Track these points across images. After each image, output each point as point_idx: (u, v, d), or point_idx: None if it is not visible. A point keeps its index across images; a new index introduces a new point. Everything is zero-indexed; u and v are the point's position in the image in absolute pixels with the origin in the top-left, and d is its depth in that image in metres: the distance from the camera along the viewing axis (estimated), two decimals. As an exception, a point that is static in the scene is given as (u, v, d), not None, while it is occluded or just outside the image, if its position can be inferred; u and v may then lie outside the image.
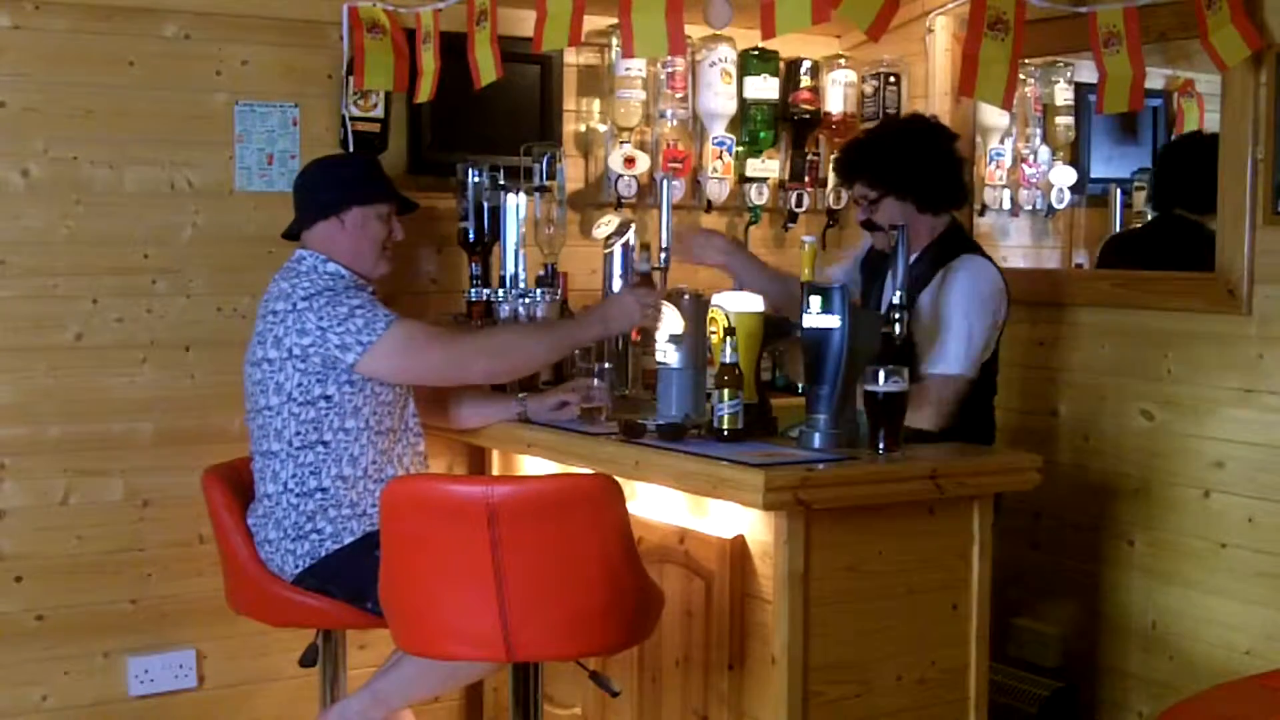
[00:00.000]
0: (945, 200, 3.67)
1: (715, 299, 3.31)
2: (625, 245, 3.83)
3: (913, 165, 3.63)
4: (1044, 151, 4.65)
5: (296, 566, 3.35)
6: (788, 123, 4.60)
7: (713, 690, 3.19)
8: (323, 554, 3.34)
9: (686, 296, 3.35)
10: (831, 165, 4.23)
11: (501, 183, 3.97)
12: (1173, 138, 4.69)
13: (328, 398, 3.33)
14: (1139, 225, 4.54)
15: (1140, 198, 4.88)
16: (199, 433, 3.79)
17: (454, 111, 4.05)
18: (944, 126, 3.80)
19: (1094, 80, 3.64)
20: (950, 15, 4.40)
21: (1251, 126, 3.57)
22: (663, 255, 3.84)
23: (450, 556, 2.83)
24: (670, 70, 4.34)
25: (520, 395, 3.63)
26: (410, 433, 3.49)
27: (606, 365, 3.60)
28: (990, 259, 3.67)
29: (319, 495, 3.35)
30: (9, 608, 3.68)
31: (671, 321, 3.34)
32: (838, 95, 4.60)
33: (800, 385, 3.36)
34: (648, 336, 3.51)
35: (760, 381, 3.34)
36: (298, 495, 3.36)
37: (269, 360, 3.36)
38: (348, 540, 3.34)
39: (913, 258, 3.56)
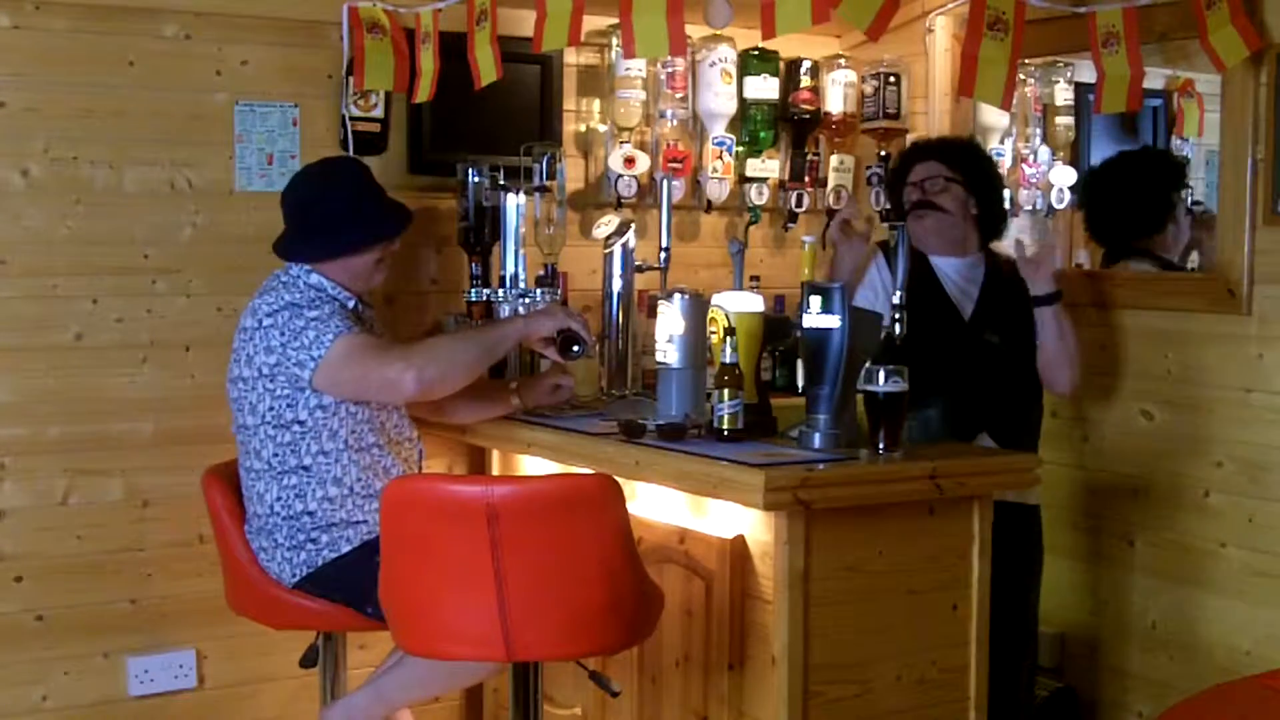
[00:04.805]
0: (994, 221, 3.84)
1: (715, 299, 3.32)
2: (625, 245, 3.83)
3: (992, 177, 3.87)
4: (1044, 151, 4.64)
5: (295, 575, 3.34)
6: (788, 123, 4.60)
7: (713, 690, 3.19)
8: (319, 563, 3.33)
9: (686, 296, 3.35)
10: (904, 150, 4.18)
11: (501, 183, 3.97)
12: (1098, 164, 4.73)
13: (300, 422, 3.31)
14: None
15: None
16: (199, 433, 3.79)
17: (454, 111, 4.05)
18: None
19: (1094, 80, 3.65)
20: (950, 15, 4.40)
21: (1251, 126, 3.57)
22: (662, 255, 3.84)
23: (450, 556, 2.83)
24: (670, 70, 4.34)
25: (513, 384, 3.63)
26: (395, 444, 3.46)
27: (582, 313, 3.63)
28: None
29: (307, 518, 3.34)
30: (9, 608, 3.68)
31: (671, 321, 3.34)
32: (838, 95, 4.60)
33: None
34: (569, 345, 3.42)
35: (760, 381, 3.34)
36: (285, 518, 3.35)
37: (243, 379, 3.35)
38: (345, 549, 3.33)
39: (972, 265, 3.75)
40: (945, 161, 3.77)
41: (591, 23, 3.97)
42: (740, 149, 4.50)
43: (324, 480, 3.34)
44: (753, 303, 3.32)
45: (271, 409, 3.31)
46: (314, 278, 3.40)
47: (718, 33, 4.34)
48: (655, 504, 3.33)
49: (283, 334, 3.28)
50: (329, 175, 3.54)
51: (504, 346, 3.46)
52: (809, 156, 4.62)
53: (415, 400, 3.42)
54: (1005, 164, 4.56)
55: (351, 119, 3.93)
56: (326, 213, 3.41)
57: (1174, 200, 4.29)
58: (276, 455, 3.33)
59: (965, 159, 3.82)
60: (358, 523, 3.35)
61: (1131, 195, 4.27)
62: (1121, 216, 4.27)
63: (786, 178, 4.63)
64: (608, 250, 3.85)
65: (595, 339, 3.55)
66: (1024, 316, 3.70)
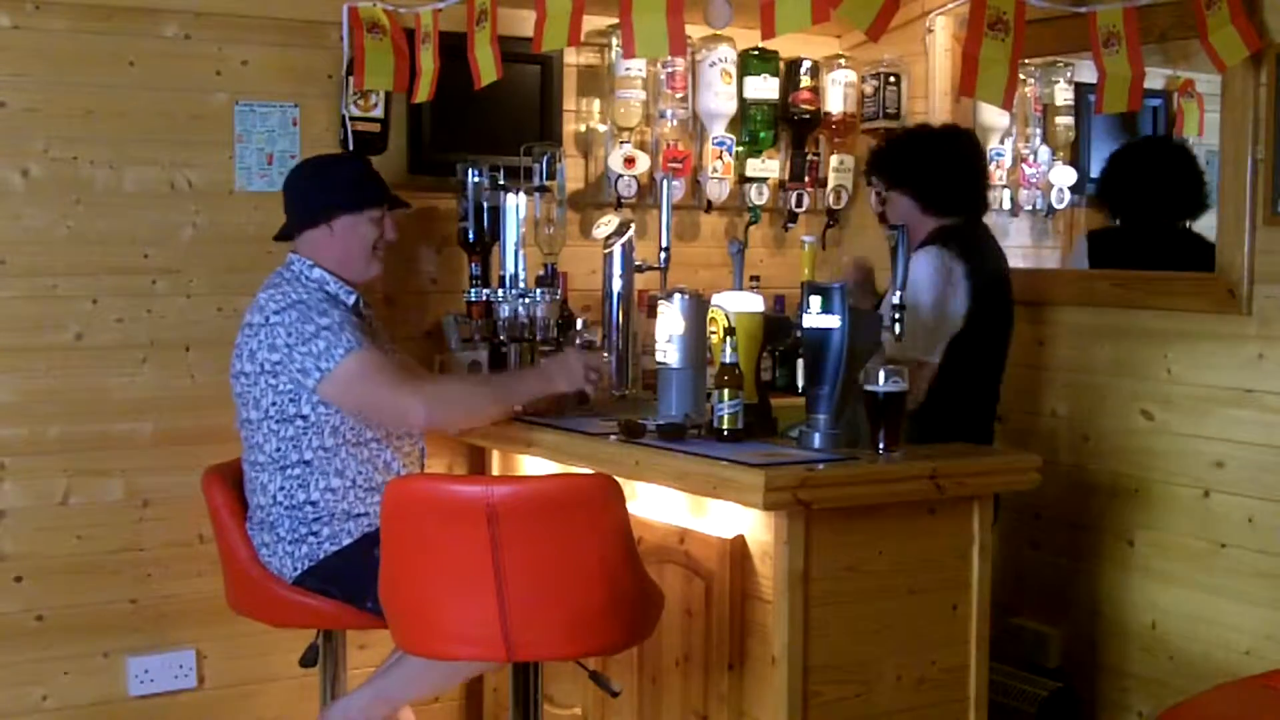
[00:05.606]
0: (948, 202, 3.71)
1: (715, 299, 3.31)
2: (625, 245, 3.83)
3: (916, 164, 3.74)
4: (1044, 151, 4.65)
5: (296, 569, 3.35)
6: (788, 123, 4.60)
7: (713, 690, 3.19)
8: (321, 556, 3.34)
9: (686, 296, 3.35)
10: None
11: (501, 183, 3.97)
12: (1123, 145, 4.71)
13: (304, 417, 3.32)
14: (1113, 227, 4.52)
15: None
16: (199, 433, 3.79)
17: (454, 111, 4.05)
18: (967, 136, 3.89)
19: (1094, 80, 3.65)
20: (950, 15, 4.40)
21: (1251, 126, 3.57)
22: (662, 255, 3.84)
23: (450, 556, 2.83)
24: (670, 70, 4.34)
25: None
26: (395, 437, 3.46)
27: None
28: (957, 250, 3.60)
29: (309, 508, 3.35)
30: (9, 608, 3.68)
31: (671, 321, 3.34)
32: (838, 95, 4.60)
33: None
34: (582, 398, 3.52)
35: (760, 381, 3.34)
36: (288, 508, 3.36)
37: (245, 374, 3.36)
38: (346, 542, 3.34)
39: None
40: (877, 173, 3.82)
41: (591, 23, 3.98)
42: (740, 149, 4.50)
43: (326, 472, 3.35)
44: (753, 303, 3.32)
45: (274, 404, 3.32)
46: (316, 272, 3.41)
47: (718, 33, 4.35)
48: (655, 504, 3.33)
49: (289, 334, 3.28)
50: (327, 157, 3.71)
51: (518, 400, 3.48)
52: (809, 156, 4.63)
53: (414, 430, 3.48)
54: (1005, 164, 4.57)
55: (351, 119, 3.93)
56: (323, 183, 3.50)
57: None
58: (279, 450, 3.34)
59: (890, 165, 3.79)
60: (359, 515, 3.36)
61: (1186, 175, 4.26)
62: (1176, 194, 4.23)
63: (786, 178, 4.63)
64: (608, 250, 3.85)
65: (605, 380, 3.59)
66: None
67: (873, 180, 3.85)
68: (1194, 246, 4.04)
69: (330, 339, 3.28)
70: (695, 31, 4.29)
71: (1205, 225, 4.11)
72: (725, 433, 3.16)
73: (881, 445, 3.06)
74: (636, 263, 3.87)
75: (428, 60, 3.81)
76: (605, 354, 3.75)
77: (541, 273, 3.96)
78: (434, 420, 3.36)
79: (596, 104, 4.40)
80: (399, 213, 3.58)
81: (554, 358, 3.59)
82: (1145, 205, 4.24)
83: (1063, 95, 4.61)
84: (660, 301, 3.40)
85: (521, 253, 3.90)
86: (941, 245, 3.61)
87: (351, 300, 3.44)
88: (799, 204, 4.63)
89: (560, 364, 3.49)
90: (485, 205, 3.98)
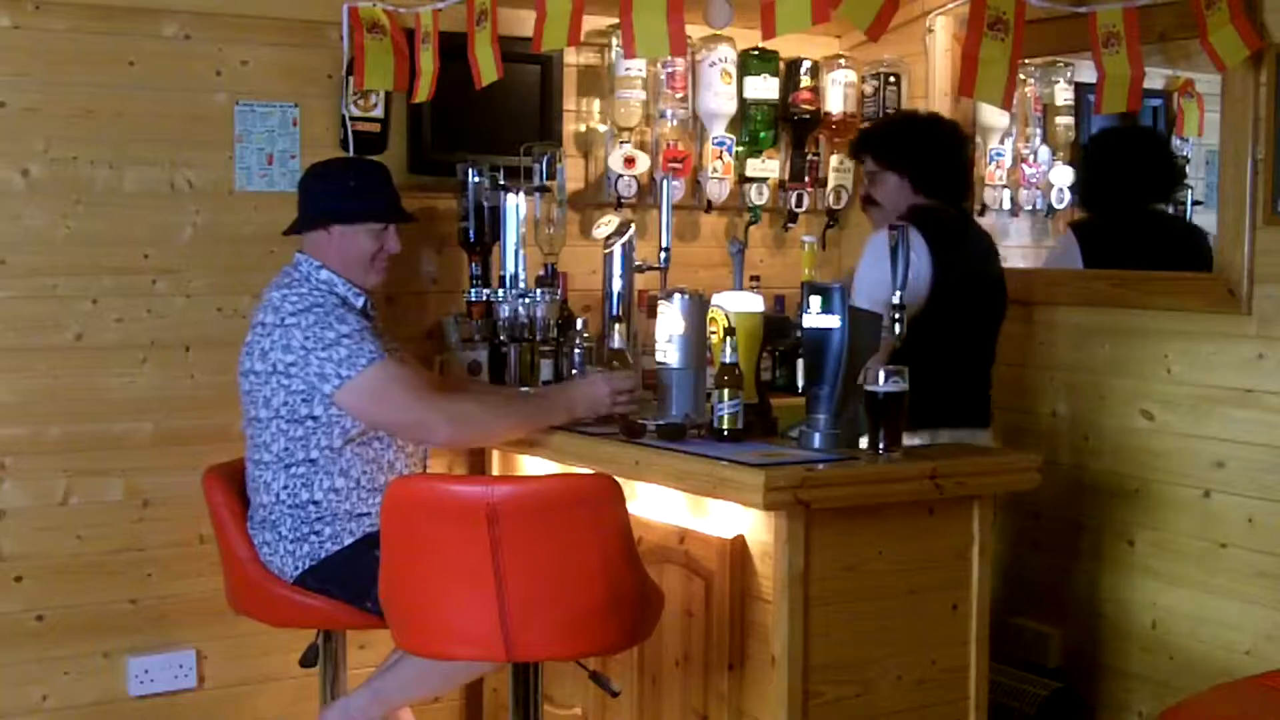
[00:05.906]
0: (941, 185, 3.73)
1: (715, 299, 3.32)
2: (625, 245, 3.83)
3: (913, 145, 3.75)
4: (1044, 151, 4.65)
5: (297, 568, 3.35)
6: (788, 123, 4.60)
7: (713, 690, 3.20)
8: (322, 555, 3.34)
9: (686, 296, 3.35)
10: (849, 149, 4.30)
11: (501, 183, 3.97)
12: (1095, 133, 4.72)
13: (314, 418, 3.32)
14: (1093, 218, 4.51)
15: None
16: (199, 433, 3.79)
17: (454, 111, 4.05)
18: (956, 125, 3.93)
19: (1094, 80, 3.65)
20: (950, 15, 4.40)
21: (1251, 126, 3.57)
22: (663, 255, 3.84)
23: (450, 556, 2.83)
24: (670, 70, 4.34)
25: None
26: (400, 438, 3.47)
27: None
28: (927, 230, 3.50)
29: (312, 507, 3.35)
30: (9, 608, 3.68)
31: (671, 321, 3.34)
32: (838, 95, 4.60)
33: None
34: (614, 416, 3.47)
35: (760, 381, 3.34)
36: (290, 507, 3.36)
37: (255, 373, 3.35)
38: (347, 541, 3.35)
39: None
40: (872, 152, 3.82)
41: (591, 23, 3.98)
42: (740, 149, 4.50)
43: (330, 472, 3.35)
44: (753, 303, 3.32)
45: (286, 404, 3.32)
46: (324, 274, 3.42)
47: (718, 33, 4.34)
48: (655, 504, 3.33)
49: (306, 337, 3.28)
50: (338, 161, 3.72)
51: (541, 427, 3.45)
52: (809, 156, 4.63)
53: (434, 446, 3.53)
54: (1005, 164, 4.57)
55: (351, 119, 3.93)
56: (325, 188, 3.49)
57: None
58: (286, 449, 3.34)
59: (886, 144, 3.80)
60: (361, 515, 3.36)
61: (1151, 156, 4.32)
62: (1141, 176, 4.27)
63: (786, 178, 4.63)
64: (608, 250, 3.85)
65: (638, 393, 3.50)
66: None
67: (863, 158, 3.84)
68: (1177, 228, 4.07)
69: (352, 347, 3.28)
70: (695, 31, 4.29)
71: (1204, 224, 4.12)
72: (725, 433, 3.16)
73: (881, 445, 3.06)
74: (636, 263, 3.88)
75: (428, 60, 3.81)
76: (631, 370, 3.61)
77: (541, 273, 3.96)
78: (455, 440, 3.42)
79: (596, 104, 4.40)
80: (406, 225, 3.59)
81: (581, 383, 3.52)
82: (1115, 193, 4.27)
83: (1063, 95, 4.61)
84: (660, 301, 3.41)
85: (521, 253, 3.90)
86: (912, 223, 3.47)
87: (360, 303, 3.45)
88: (799, 204, 4.63)
89: (585, 393, 3.44)
90: (485, 205, 3.98)
